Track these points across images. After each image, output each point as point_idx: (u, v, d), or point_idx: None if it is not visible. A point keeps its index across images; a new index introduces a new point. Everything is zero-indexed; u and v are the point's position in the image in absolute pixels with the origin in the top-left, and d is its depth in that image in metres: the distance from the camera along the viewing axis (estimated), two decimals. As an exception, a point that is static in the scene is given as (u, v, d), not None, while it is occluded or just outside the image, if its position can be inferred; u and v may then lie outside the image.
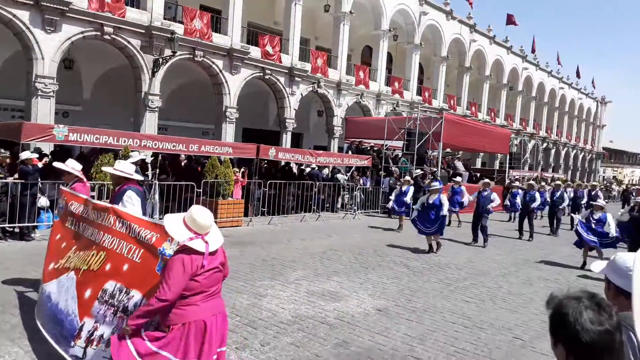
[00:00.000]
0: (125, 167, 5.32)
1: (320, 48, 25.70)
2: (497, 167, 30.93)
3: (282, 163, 17.54)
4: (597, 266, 2.37)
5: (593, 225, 10.69)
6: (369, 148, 22.67)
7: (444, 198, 11.22)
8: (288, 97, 22.10)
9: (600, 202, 11.69)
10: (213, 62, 19.00)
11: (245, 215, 13.69)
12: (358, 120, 23.97)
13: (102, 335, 3.59)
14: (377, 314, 6.38)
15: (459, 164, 23.59)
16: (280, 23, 23.52)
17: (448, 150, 24.24)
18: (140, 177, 6.01)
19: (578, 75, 52.62)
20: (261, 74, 20.81)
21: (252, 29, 22.04)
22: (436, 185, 11.81)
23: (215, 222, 3.39)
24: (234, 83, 19.84)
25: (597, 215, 10.80)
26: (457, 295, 7.61)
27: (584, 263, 10.56)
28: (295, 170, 18.30)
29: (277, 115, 22.91)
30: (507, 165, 25.70)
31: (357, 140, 22.74)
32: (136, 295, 3.51)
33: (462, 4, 33.33)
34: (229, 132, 19.90)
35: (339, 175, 18.21)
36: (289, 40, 21.99)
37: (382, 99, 27.15)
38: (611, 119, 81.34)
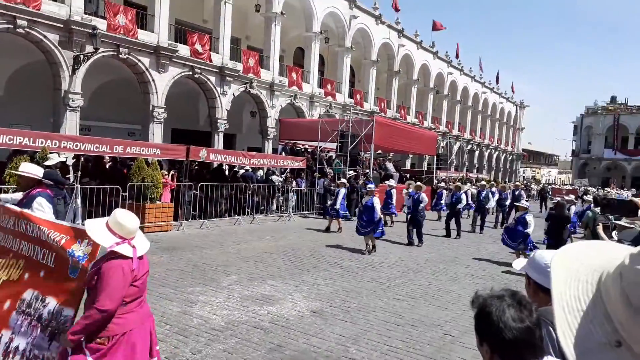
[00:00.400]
0: (31, 169, 4.94)
1: (252, 48, 25.42)
2: (426, 168, 32.06)
3: (214, 165, 17.13)
4: (517, 264, 2.47)
5: (514, 227, 11.16)
6: (303, 150, 22.71)
7: (376, 200, 11.44)
8: (219, 97, 21.63)
9: (524, 203, 12.02)
10: (139, 60, 18.21)
11: (175, 219, 13.20)
12: (292, 121, 23.94)
13: (17, 347, 3.38)
14: (311, 316, 6.34)
15: (390, 165, 24.20)
16: (210, 21, 23.00)
17: (379, 152, 24.79)
18: (49, 182, 5.60)
19: (497, 81, 55.80)
20: (190, 73, 20.23)
21: (180, 26, 21.39)
22: (371, 187, 12.01)
23: (143, 227, 3.25)
24: (162, 82, 19.13)
25: (518, 214, 11.31)
26: (389, 293, 7.74)
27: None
28: (227, 172, 17.94)
29: (208, 116, 22.35)
30: (435, 166, 26.70)
31: (292, 141, 22.71)
32: (51, 302, 3.31)
33: (391, 9, 34.20)
34: (156, 132, 19.15)
35: (273, 177, 18.06)
36: (219, 39, 21.54)
37: (315, 100, 27.29)
38: (529, 122, 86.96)
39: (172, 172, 13.73)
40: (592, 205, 14.21)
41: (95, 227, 3.06)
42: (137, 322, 3.04)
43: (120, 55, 17.47)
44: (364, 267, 9.70)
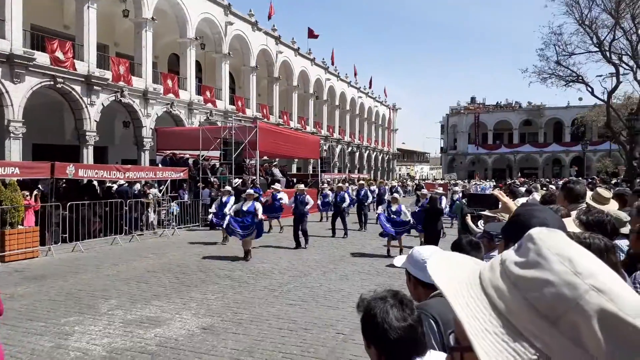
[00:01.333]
0: None
1: (121, 55, 23.94)
2: (311, 172, 32.71)
3: (85, 181, 15.77)
4: (398, 261, 2.57)
5: (393, 216, 11.94)
6: (184, 159, 21.84)
7: (258, 205, 11.41)
8: (87, 107, 20.00)
9: (396, 195, 13.36)
10: (-12, 70, 16.19)
11: (42, 244, 11.90)
12: (170, 130, 22.91)
13: None
14: (202, 333, 6.07)
15: (277, 171, 24.28)
16: (72, 27, 21.24)
17: (265, 157, 24.75)
18: None
19: (371, 86, 58.91)
20: (52, 83, 18.44)
21: (37, 32, 19.41)
22: (250, 191, 11.95)
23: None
24: (18, 93, 17.20)
25: (394, 207, 12.10)
26: (281, 300, 7.71)
27: (388, 251, 11.78)
28: (98, 188, 16.61)
29: (75, 128, 20.55)
30: (319, 169, 27.32)
31: (171, 151, 21.72)
32: None
33: (266, 15, 34.43)
34: (14, 149, 17.15)
35: (152, 190, 17.11)
36: (83, 46, 19.94)
37: (194, 108, 26.47)
38: (402, 123, 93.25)
39: (35, 192, 12.36)
40: (460, 196, 15.56)
41: None
42: None
43: (-36, 65, 15.39)
44: (255, 275, 9.56)
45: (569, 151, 62.59)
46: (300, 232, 13.05)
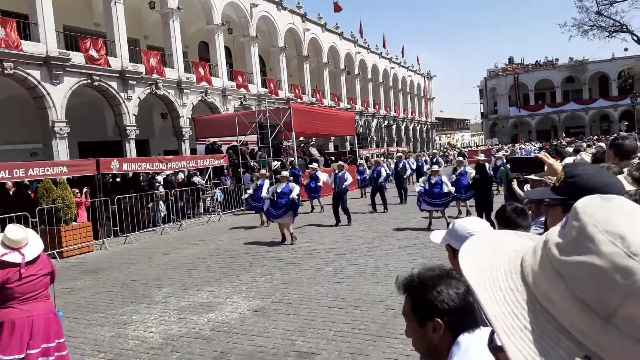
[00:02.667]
0: None
1: (152, 47, 24.26)
2: (348, 149, 32.54)
3: (130, 175, 16.24)
4: (436, 236, 2.42)
5: (433, 189, 11.64)
6: (226, 147, 22.09)
7: (293, 185, 11.27)
8: (124, 102, 20.47)
9: (435, 167, 13.13)
10: (28, 74, 16.75)
11: (96, 238, 12.39)
12: (207, 118, 23.22)
13: None
14: (253, 316, 6.17)
15: (314, 150, 24.27)
16: (102, 24, 21.61)
17: (302, 138, 24.75)
18: None
19: (403, 54, 57.57)
20: (89, 81, 18.92)
21: (70, 32, 19.86)
22: (285, 173, 11.88)
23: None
24: (59, 94, 17.75)
25: (434, 179, 11.81)
26: (329, 278, 7.74)
27: (430, 224, 11.64)
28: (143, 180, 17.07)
29: (116, 124, 21.11)
30: (357, 145, 27.12)
31: (210, 139, 22.04)
32: None
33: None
34: (61, 149, 17.79)
35: (195, 179, 17.46)
36: (114, 42, 20.30)
37: (228, 94, 26.66)
38: (438, 91, 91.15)
39: (85, 189, 12.82)
40: (504, 162, 15.08)
41: None
42: (12, 316, 3.65)
43: (6, 71, 15.96)
44: (301, 255, 9.63)
45: (618, 105, 59.57)
46: (340, 210, 13.02)
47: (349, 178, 13.51)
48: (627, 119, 51.39)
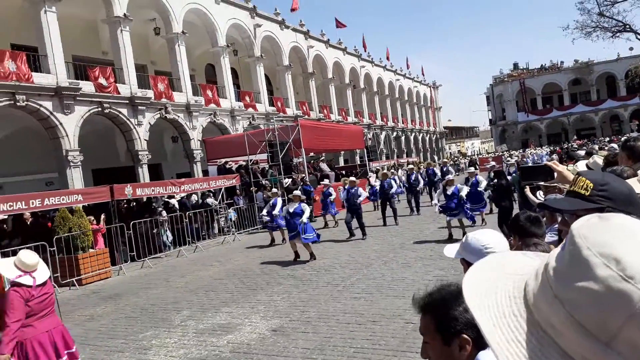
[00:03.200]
0: None
1: (159, 72, 24.64)
2: (359, 162, 32.56)
3: (144, 199, 16.40)
4: (449, 251, 2.38)
5: (449, 203, 11.47)
6: (236, 167, 22.27)
7: (305, 206, 11.22)
8: (135, 128, 20.75)
9: (449, 176, 12.88)
10: (40, 105, 17.08)
11: (113, 264, 12.50)
12: (217, 140, 23.43)
13: None
14: (272, 336, 6.17)
15: (324, 166, 24.34)
16: (109, 52, 22.03)
17: (311, 154, 24.85)
18: None
19: (408, 66, 57.85)
20: (99, 109, 19.24)
21: (79, 62, 20.25)
22: (297, 193, 11.86)
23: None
24: (70, 123, 18.06)
25: (450, 190, 11.70)
26: (346, 294, 7.71)
27: (450, 235, 11.38)
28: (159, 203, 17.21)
29: (128, 150, 21.39)
30: (367, 158, 27.16)
31: (221, 160, 22.21)
32: None
33: (294, 12, 34.36)
34: (75, 177, 18.04)
35: (208, 200, 17.57)
36: (122, 69, 20.68)
37: (236, 114, 26.92)
38: (445, 100, 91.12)
39: (102, 216, 12.97)
40: (516, 169, 14.99)
41: (4, 264, 4.31)
42: (34, 333, 4.12)
43: (18, 103, 16.30)
44: (317, 272, 9.62)
45: (627, 105, 59.05)
46: (356, 224, 13.02)
47: (362, 193, 13.61)
48: (637, 117, 50.84)
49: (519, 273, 0.63)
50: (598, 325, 0.51)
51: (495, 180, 10.83)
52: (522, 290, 0.61)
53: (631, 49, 49.07)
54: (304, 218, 10.81)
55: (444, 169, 20.53)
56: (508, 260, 0.68)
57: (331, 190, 16.24)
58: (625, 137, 6.73)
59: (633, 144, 3.65)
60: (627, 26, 26.45)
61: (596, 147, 14.37)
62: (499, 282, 0.63)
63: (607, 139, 32.42)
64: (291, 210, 11.03)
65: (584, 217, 0.60)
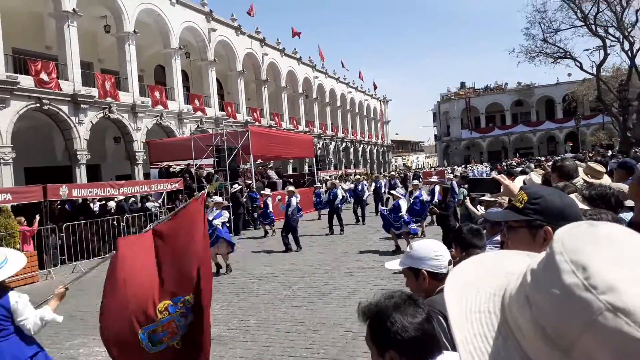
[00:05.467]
0: None
1: (106, 71, 23.76)
2: (307, 171, 32.61)
3: (79, 201, 15.61)
4: (391, 264, 2.40)
5: (392, 214, 11.48)
6: (179, 170, 21.67)
7: (225, 213, 10.89)
8: (75, 126, 19.82)
9: (398, 192, 12.49)
10: (-28, 97, 16.02)
11: (41, 268, 11.76)
12: (161, 142, 22.77)
13: None
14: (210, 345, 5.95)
15: (272, 173, 24.18)
16: (54, 47, 21.03)
17: (260, 161, 24.63)
18: None
19: (361, 78, 58.71)
20: (38, 105, 18.26)
21: (19, 55, 19.20)
22: (219, 199, 11.48)
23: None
24: (4, 118, 17.02)
25: (391, 203, 11.78)
26: (287, 302, 7.61)
27: (397, 247, 11.23)
28: (95, 207, 16.44)
29: (66, 149, 20.38)
30: (315, 167, 27.23)
31: (164, 163, 21.56)
32: None
33: (250, 19, 34.26)
34: (5, 175, 16.96)
35: (148, 204, 16.97)
36: (67, 65, 19.76)
37: (184, 117, 26.31)
38: (394, 114, 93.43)
39: (36, 217, 12.21)
40: (458, 181, 15.45)
41: None
42: None
43: (-54, 94, 15.21)
44: (259, 280, 9.45)
45: (563, 127, 62.59)
46: (288, 236, 12.59)
47: (292, 205, 12.80)
48: (571, 140, 53.99)
49: (510, 272, 0.62)
50: (558, 332, 0.50)
51: (442, 199, 10.35)
52: (503, 289, 0.60)
53: (569, 74, 52.24)
54: (218, 221, 10.31)
55: (392, 182, 20.91)
56: (501, 260, 0.68)
57: (270, 200, 15.98)
58: (557, 158, 7.09)
59: (561, 164, 3.93)
60: (568, 53, 28.13)
61: (532, 165, 15.08)
62: (486, 280, 0.63)
63: (543, 158, 34.25)
64: (210, 217, 10.14)
65: (574, 222, 0.58)
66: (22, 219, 11.88)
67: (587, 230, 0.55)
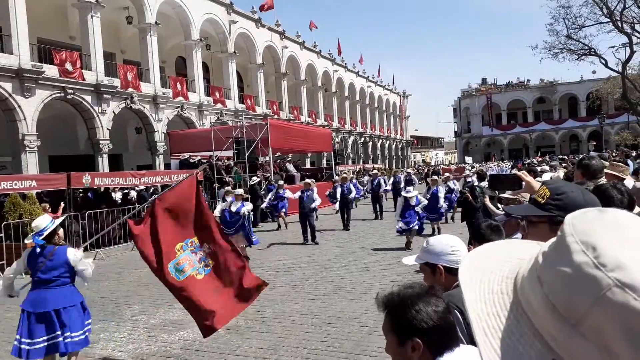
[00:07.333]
0: None
1: (128, 62, 24.06)
2: (325, 165, 32.63)
3: (102, 189, 15.91)
4: (408, 260, 2.42)
5: (409, 212, 11.44)
6: (198, 161, 21.88)
7: (248, 204, 11.05)
8: (98, 116, 20.15)
9: (410, 190, 12.12)
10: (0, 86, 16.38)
11: (64, 254, 12.03)
12: (182, 133, 23.01)
13: None
14: (226, 334, 6.05)
15: (290, 166, 24.27)
16: (78, 37, 21.37)
17: (278, 154, 24.74)
18: None
19: (379, 74, 58.44)
20: (62, 94, 18.61)
21: (44, 45, 19.55)
22: (240, 191, 11.60)
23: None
24: (30, 107, 17.38)
25: (413, 201, 11.61)
26: (303, 295, 7.67)
27: (409, 243, 11.32)
28: (117, 195, 16.72)
29: (89, 138, 20.75)
30: (333, 161, 27.23)
31: (184, 154, 21.80)
32: None
33: (270, 12, 34.20)
34: (30, 162, 17.35)
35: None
36: (90, 55, 20.06)
37: (204, 109, 26.53)
38: (413, 110, 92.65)
39: (61, 204, 12.48)
40: (476, 178, 15.26)
41: None
42: None
43: (-25, 82, 15.59)
44: (276, 272, 9.54)
45: (586, 126, 61.38)
46: (308, 228, 12.77)
47: (317, 199, 13.01)
48: (595, 139, 52.94)
49: (521, 257, 0.67)
50: (568, 307, 0.54)
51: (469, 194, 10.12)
52: (516, 272, 0.64)
53: (594, 72, 51.14)
54: (244, 210, 10.55)
55: (407, 179, 20.80)
56: (515, 246, 0.72)
57: (287, 193, 16.02)
58: (583, 156, 6.99)
59: (588, 163, 3.85)
60: (592, 50, 27.53)
61: (554, 163, 14.88)
62: (500, 263, 0.67)
63: (565, 157, 33.69)
64: (233, 209, 10.61)
65: (585, 209, 0.62)
66: (47, 205, 12.16)
67: (597, 215, 0.58)
